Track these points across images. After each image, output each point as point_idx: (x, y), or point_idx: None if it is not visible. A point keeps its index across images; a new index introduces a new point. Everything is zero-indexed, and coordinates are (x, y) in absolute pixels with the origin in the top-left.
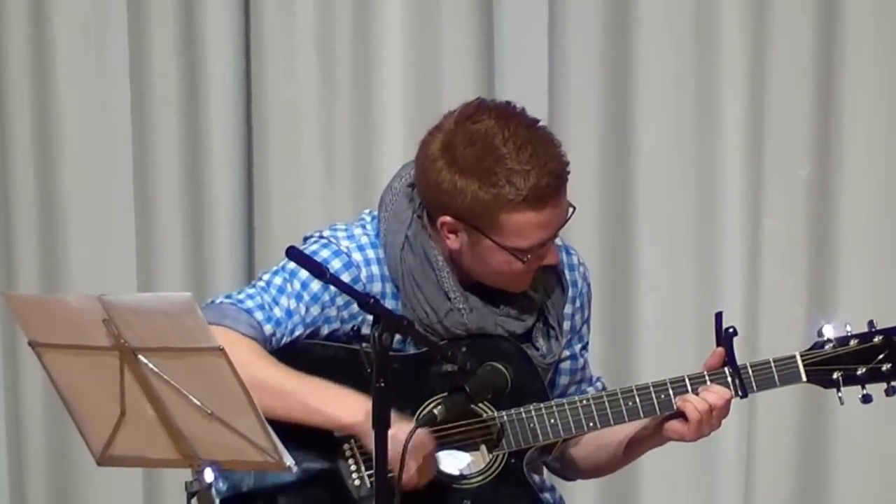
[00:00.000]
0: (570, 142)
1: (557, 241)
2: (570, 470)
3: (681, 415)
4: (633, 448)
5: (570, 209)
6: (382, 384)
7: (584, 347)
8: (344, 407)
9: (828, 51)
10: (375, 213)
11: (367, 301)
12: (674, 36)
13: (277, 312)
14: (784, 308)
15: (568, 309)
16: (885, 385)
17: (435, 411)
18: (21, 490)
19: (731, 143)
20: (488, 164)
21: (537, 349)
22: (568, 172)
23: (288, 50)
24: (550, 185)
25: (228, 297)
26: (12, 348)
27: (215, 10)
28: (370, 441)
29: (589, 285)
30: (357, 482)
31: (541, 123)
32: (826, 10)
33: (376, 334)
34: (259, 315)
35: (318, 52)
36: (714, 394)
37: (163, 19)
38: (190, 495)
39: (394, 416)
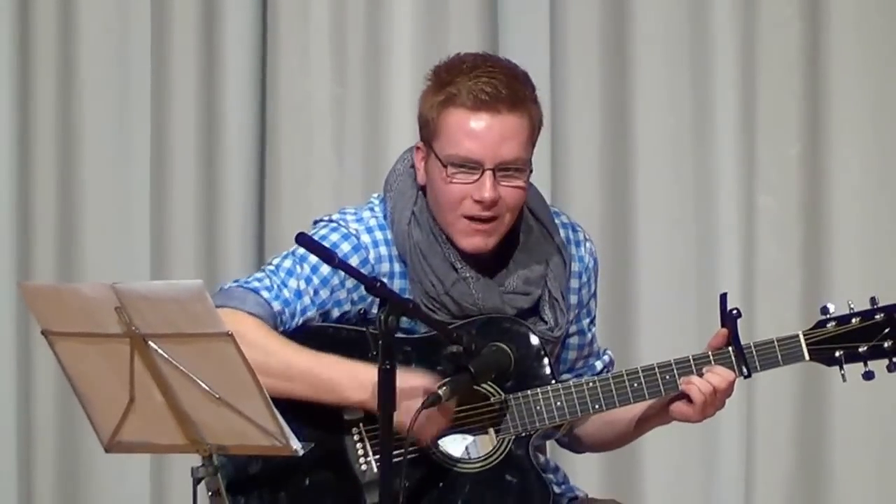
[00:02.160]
0: (569, 125)
1: (564, 218)
2: (578, 444)
3: (685, 396)
4: (640, 426)
5: (528, 168)
6: (388, 366)
7: (592, 322)
8: (352, 383)
9: (815, 34)
10: (383, 195)
11: (373, 285)
12: (669, 21)
13: (286, 293)
14: (779, 282)
15: (574, 283)
16: (886, 361)
17: (440, 392)
18: (29, 477)
19: (725, 124)
20: (449, 76)
21: (545, 322)
22: (517, 104)
23: (302, 45)
24: (489, 94)
25: (236, 281)
26: (25, 337)
27: (234, 7)
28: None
29: (596, 260)
30: (364, 467)
31: (525, 74)
32: None
33: (382, 317)
34: (266, 294)
35: (331, 47)
36: (718, 376)
37: (184, 17)
38: (196, 481)
39: (405, 373)
